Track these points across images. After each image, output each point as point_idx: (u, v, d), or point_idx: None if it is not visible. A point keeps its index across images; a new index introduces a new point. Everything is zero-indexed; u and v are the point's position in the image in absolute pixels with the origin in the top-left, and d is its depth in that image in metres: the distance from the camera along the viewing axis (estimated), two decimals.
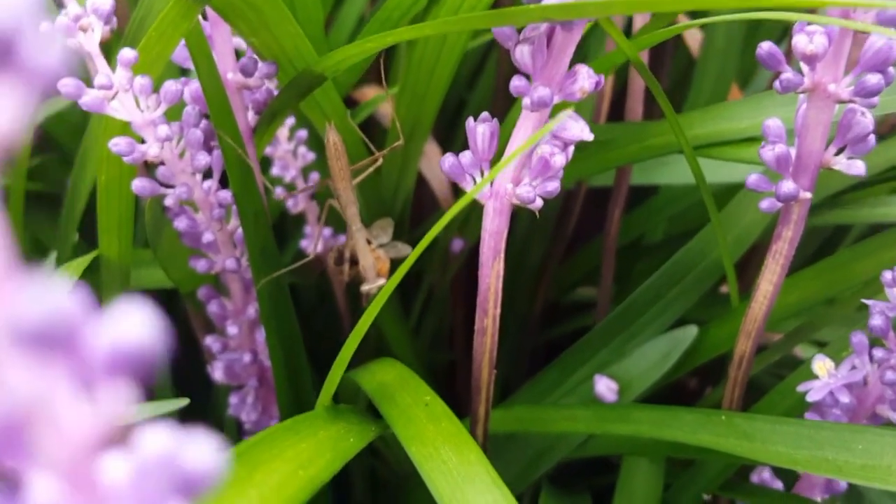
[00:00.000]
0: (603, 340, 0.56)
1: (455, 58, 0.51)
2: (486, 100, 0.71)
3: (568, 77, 0.38)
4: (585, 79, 0.38)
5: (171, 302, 0.60)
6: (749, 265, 0.65)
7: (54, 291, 0.13)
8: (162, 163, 0.42)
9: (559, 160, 0.40)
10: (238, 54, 0.45)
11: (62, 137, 0.64)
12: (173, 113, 0.45)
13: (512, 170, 0.41)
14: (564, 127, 0.40)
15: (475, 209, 0.59)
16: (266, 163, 0.57)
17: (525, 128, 0.40)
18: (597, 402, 0.53)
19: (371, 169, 0.48)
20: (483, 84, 0.73)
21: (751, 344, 0.48)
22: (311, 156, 0.56)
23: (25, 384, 0.13)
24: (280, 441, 0.37)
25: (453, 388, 0.75)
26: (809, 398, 0.46)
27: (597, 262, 0.66)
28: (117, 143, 0.38)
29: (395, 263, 0.50)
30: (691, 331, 0.54)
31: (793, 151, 0.43)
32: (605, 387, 0.54)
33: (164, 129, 0.39)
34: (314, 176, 0.57)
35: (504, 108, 0.72)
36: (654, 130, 0.51)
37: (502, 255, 0.43)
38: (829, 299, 0.55)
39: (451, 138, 0.72)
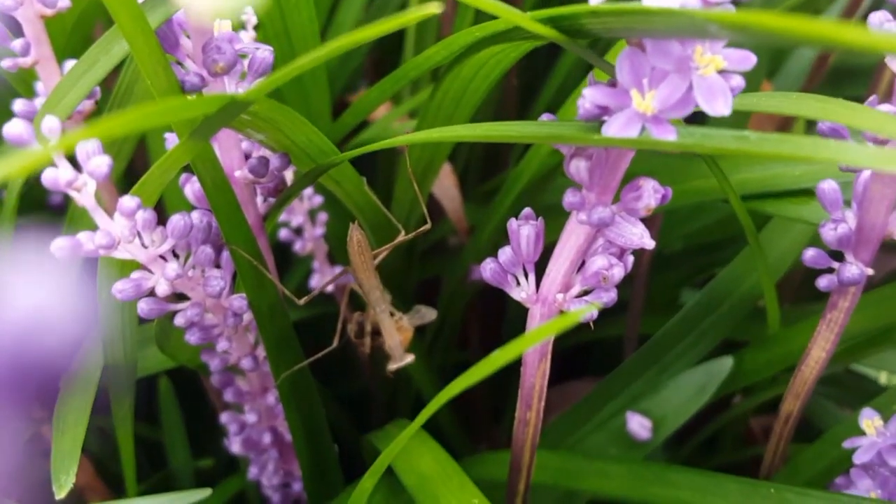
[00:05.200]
0: (635, 372, 0.53)
1: (475, 104, 0.45)
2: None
3: (630, 191, 0.34)
4: (651, 195, 0.34)
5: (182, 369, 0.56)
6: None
7: None
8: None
9: (618, 273, 0.35)
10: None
11: None
12: (183, 203, 0.40)
13: (561, 276, 0.37)
14: (621, 233, 0.35)
15: (495, 232, 0.55)
16: None
17: (576, 236, 0.36)
18: (631, 456, 0.50)
19: (390, 248, 0.44)
20: None
21: (799, 404, 0.46)
22: (318, 199, 0.52)
23: None
24: None
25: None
26: (857, 459, 0.44)
27: None
28: (122, 290, 0.34)
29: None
30: (727, 362, 0.52)
31: (849, 217, 0.39)
32: (637, 424, 0.52)
33: (173, 268, 0.34)
34: (322, 217, 0.53)
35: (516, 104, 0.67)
36: (695, 171, 0.47)
37: (549, 357, 0.39)
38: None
39: None
